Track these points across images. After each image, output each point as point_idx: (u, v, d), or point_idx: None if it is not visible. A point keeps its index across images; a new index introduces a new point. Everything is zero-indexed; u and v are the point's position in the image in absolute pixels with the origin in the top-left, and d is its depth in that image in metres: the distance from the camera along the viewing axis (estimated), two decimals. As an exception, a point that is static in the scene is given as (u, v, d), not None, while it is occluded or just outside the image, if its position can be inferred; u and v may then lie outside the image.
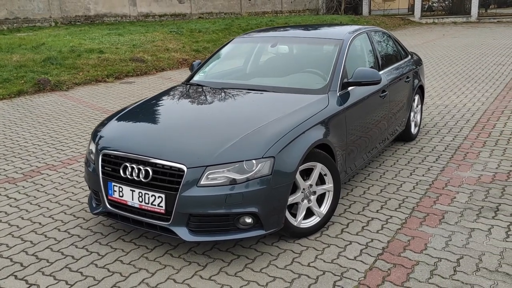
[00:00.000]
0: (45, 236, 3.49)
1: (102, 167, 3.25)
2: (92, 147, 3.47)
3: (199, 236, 2.97)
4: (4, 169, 4.94)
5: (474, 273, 2.86)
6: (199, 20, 23.31)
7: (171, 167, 2.95)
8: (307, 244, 3.27)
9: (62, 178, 4.67)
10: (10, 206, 4.03)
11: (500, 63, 11.54)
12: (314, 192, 3.36)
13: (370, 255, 3.10)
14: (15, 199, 4.18)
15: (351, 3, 31.28)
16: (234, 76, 4.46)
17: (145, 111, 3.83)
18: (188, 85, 4.37)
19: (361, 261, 3.04)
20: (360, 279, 2.84)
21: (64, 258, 3.17)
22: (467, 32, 21.48)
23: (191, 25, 18.57)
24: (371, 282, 2.80)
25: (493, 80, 9.29)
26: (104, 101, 8.37)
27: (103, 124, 3.69)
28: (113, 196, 3.18)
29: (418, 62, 5.76)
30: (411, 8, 34.18)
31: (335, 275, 2.89)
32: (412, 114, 5.40)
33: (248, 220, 2.96)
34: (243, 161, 2.91)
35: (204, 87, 4.21)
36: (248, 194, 2.88)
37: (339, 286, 2.78)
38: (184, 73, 11.55)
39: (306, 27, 5.17)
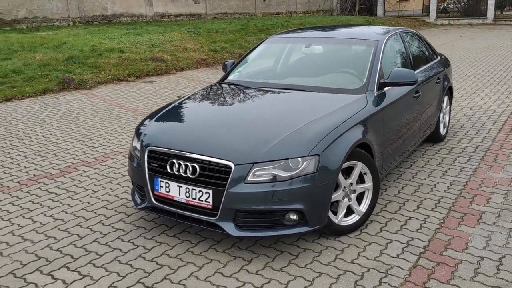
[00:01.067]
0: (91, 229, 3.57)
1: (148, 163, 3.33)
2: (136, 143, 3.55)
3: (245, 232, 3.04)
4: (40, 165, 5.05)
5: (518, 272, 2.90)
6: (214, 20, 23.42)
7: (218, 163, 3.02)
8: (348, 241, 3.32)
9: (98, 174, 4.77)
10: (52, 200, 4.13)
11: (521, 65, 11.48)
12: (354, 191, 3.41)
13: (413, 253, 3.14)
14: (56, 194, 4.28)
15: (366, 4, 31.21)
16: (269, 75, 4.52)
17: (186, 109, 3.91)
18: (225, 84, 4.44)
19: (404, 259, 3.08)
20: (405, 276, 2.89)
21: (112, 251, 3.26)
22: (484, 34, 21.34)
23: (207, 25, 18.67)
24: (416, 280, 2.85)
25: (515, 83, 9.26)
26: (129, 100, 8.48)
27: (146, 121, 3.77)
28: (159, 191, 3.26)
29: (446, 63, 5.79)
30: (426, 9, 34.01)
31: (380, 272, 2.94)
32: (441, 115, 5.43)
33: (293, 216, 3.02)
34: (289, 158, 2.97)
35: (240, 86, 4.28)
36: (294, 191, 2.94)
37: (385, 282, 2.83)
38: (204, 73, 11.64)
39: (336, 27, 5.22)
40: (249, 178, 2.96)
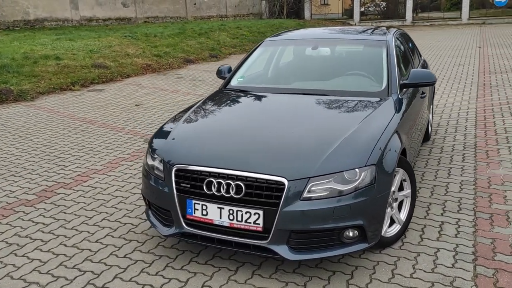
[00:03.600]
0: (105, 264, 3.08)
1: (177, 183, 2.91)
2: (154, 161, 3.12)
3: (301, 254, 2.74)
4: (10, 191, 4.38)
5: None
6: (146, 24, 22.55)
7: (267, 180, 2.70)
8: (395, 254, 3.13)
9: (84, 197, 4.21)
10: (43, 232, 3.55)
11: (459, 63, 12.11)
12: (396, 199, 3.23)
13: (466, 261, 3.02)
14: (43, 223, 3.69)
15: (293, 7, 31.75)
16: (279, 80, 4.23)
17: (206, 121, 3.53)
18: (234, 91, 4.08)
19: (462, 268, 2.95)
20: (472, 287, 2.75)
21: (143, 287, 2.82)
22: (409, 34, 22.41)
23: (142, 29, 17.88)
24: (486, 290, 2.71)
25: (463, 80, 9.70)
26: (82, 111, 7.76)
27: (161, 136, 3.34)
28: (193, 215, 2.86)
29: (425, 62, 5.85)
30: (345, 13, 35.35)
31: (445, 285, 2.77)
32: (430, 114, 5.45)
33: (352, 233, 2.77)
34: (345, 170, 2.72)
35: (253, 93, 3.95)
36: (355, 205, 2.70)
37: (457, 296, 2.67)
38: (152, 79, 11.06)
39: (331, 28, 5.06)
40: (305, 195, 2.67)
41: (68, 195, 4.27)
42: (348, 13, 34.43)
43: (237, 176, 2.75)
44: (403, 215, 3.31)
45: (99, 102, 8.57)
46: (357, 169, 2.73)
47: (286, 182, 2.66)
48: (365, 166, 2.75)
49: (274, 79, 4.24)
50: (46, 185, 4.50)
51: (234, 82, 4.23)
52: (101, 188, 4.41)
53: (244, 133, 3.20)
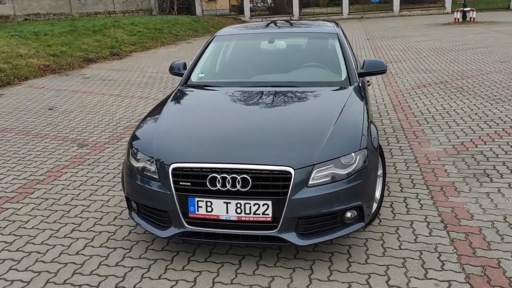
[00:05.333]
0: (98, 275, 2.89)
1: (175, 182, 2.84)
2: (141, 162, 3.00)
3: (310, 239, 2.84)
4: None
5: (528, 227, 3.35)
6: (28, 22, 20.77)
7: (274, 171, 2.76)
8: (378, 230, 3.38)
9: (38, 209, 3.86)
10: (9, 251, 3.21)
11: (358, 55, 13.06)
12: (372, 179, 3.48)
13: (439, 229, 3.36)
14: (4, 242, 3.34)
15: (184, 3, 31.47)
16: (243, 74, 4.23)
17: (185, 118, 3.45)
18: (199, 87, 4.04)
19: (438, 235, 3.28)
20: (454, 251, 3.08)
21: (159, 294, 2.71)
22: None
23: (27, 28, 16.45)
24: (464, 251, 3.06)
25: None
26: (-9, 118, 7.02)
27: (144, 136, 3.21)
28: (196, 213, 2.82)
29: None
30: (233, 9, 36.00)
31: (431, 252, 3.07)
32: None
33: (352, 214, 2.94)
34: (343, 155, 2.88)
35: (224, 88, 3.95)
36: (355, 187, 2.87)
37: (446, 261, 2.97)
38: (56, 80, 10.33)
39: (279, 22, 5.20)
40: (311, 182, 2.78)
41: (18, 209, 3.90)
42: (237, 9, 35.04)
43: (242, 169, 2.76)
44: (378, 194, 3.57)
45: (4, 108, 7.81)
46: (353, 154, 2.91)
47: (292, 171, 2.74)
48: (359, 150, 2.94)
49: (237, 74, 4.26)
50: (-13, 201, 4.06)
51: (195, 78, 4.18)
52: (54, 199, 4.09)
53: (233, 127, 3.21)
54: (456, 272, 2.84)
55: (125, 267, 3.00)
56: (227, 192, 2.77)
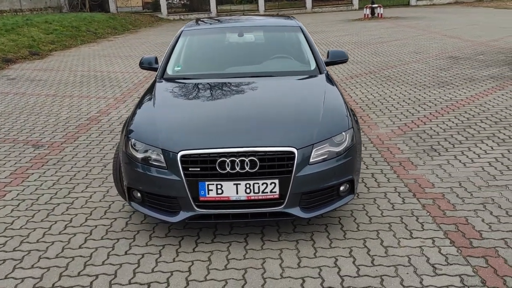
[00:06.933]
0: (111, 264, 2.95)
1: (185, 169, 2.98)
2: (144, 152, 3.10)
3: (312, 212, 3.13)
4: None
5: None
6: None
7: (278, 152, 3.00)
8: (358, 202, 3.75)
9: (19, 211, 3.76)
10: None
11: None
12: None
13: (409, 197, 3.80)
14: None
15: (97, 0, 30.29)
16: (218, 66, 4.37)
17: (180, 107, 3.60)
18: (179, 79, 4.15)
19: (410, 202, 3.72)
20: (427, 213, 3.52)
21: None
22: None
23: None
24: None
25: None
26: None
27: (142, 128, 3.29)
28: (207, 196, 2.99)
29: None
30: (146, 6, 35.21)
31: (409, 216, 3.50)
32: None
33: (344, 187, 3.26)
34: (336, 135, 3.19)
35: (205, 80, 4.09)
36: (348, 163, 3.19)
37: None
38: (-20, 83, 9.65)
39: (240, 17, 5.43)
40: (311, 160, 3.05)
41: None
42: (151, 7, 34.32)
43: (249, 152, 2.97)
44: (354, 170, 3.94)
45: None
46: (343, 133, 3.23)
47: (295, 151, 3.00)
48: (348, 129, 3.27)
49: (214, 66, 4.39)
50: (-43, 207, 3.85)
51: (171, 71, 4.26)
52: (31, 199, 3.99)
53: (231, 114, 3.39)
54: (435, 230, 3.27)
55: (135, 254, 3.08)
56: (237, 174, 2.96)
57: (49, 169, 4.71)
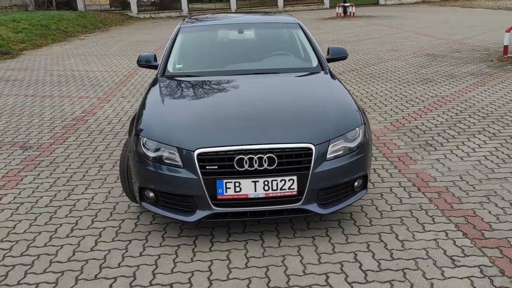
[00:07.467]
0: (128, 266, 2.87)
1: (202, 167, 2.93)
2: (159, 152, 3.03)
3: (328, 208, 3.13)
4: None
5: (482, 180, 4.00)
6: None
7: (295, 148, 2.98)
8: (367, 197, 3.77)
9: (18, 214, 3.61)
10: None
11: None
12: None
13: (415, 192, 3.86)
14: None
15: (64, -2, 29.54)
16: (221, 63, 4.29)
17: (189, 106, 3.55)
18: (181, 77, 4.07)
19: (417, 196, 3.77)
20: (435, 207, 3.58)
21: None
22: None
23: None
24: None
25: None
26: None
27: (154, 127, 3.21)
28: (224, 194, 2.94)
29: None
30: (113, 4, 34.51)
31: (418, 210, 3.55)
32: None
33: (358, 183, 3.28)
34: (350, 130, 3.20)
35: (210, 77, 4.04)
36: (362, 158, 3.21)
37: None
38: (-49, 83, 9.25)
39: (243, 14, 5.36)
40: (328, 156, 3.05)
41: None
42: (119, 5, 33.67)
43: (267, 149, 2.94)
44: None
45: None
46: (356, 128, 3.24)
47: (313, 147, 2.99)
48: (361, 125, 3.29)
49: (216, 63, 4.32)
50: (-49, 212, 3.67)
51: (172, 69, 4.18)
52: (30, 202, 3.85)
53: (244, 111, 3.35)
54: (445, 223, 3.33)
55: (151, 255, 3.01)
56: (255, 172, 2.93)
57: (42, 171, 4.55)
